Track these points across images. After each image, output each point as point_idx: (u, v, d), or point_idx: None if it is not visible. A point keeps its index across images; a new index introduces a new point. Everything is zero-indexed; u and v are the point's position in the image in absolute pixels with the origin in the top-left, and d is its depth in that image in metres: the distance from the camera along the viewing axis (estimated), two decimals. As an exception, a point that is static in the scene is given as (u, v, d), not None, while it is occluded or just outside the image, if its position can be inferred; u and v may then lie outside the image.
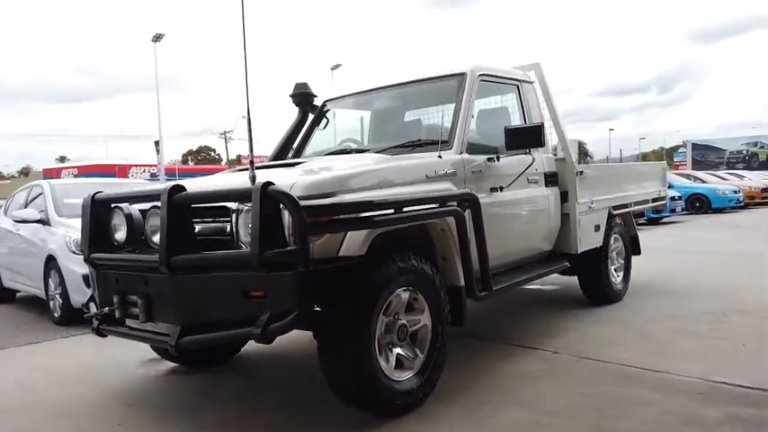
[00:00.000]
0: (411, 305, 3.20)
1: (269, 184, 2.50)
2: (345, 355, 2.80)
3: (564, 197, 4.80)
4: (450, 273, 3.45)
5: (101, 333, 3.10)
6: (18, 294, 7.41)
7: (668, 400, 3.13)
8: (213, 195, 2.75)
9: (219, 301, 2.65)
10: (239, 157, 59.21)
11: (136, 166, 52.64)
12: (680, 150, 55.04)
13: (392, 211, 2.86)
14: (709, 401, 3.08)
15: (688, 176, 21.18)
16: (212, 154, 74.08)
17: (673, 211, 15.01)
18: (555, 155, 4.91)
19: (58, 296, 5.73)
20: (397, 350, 3.08)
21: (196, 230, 2.94)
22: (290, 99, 4.90)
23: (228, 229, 2.82)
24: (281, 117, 6.42)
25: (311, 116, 4.94)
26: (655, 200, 6.62)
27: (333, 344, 2.82)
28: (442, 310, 3.29)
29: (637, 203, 6.19)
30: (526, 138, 3.85)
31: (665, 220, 15.24)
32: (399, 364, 3.11)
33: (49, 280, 5.90)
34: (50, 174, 55.73)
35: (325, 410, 3.09)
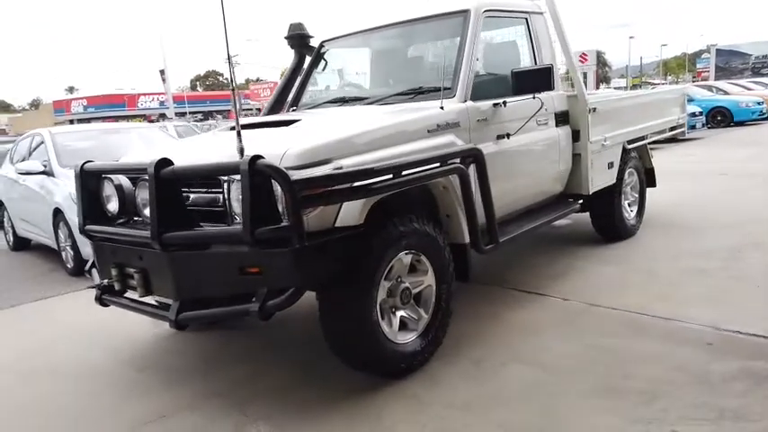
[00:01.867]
0: (414, 267, 3.14)
1: (257, 157, 2.38)
2: (346, 325, 2.78)
3: (576, 136, 4.61)
4: (454, 229, 3.36)
5: (103, 303, 3.10)
6: (32, 242, 7.50)
7: (677, 354, 3.10)
8: (200, 171, 2.64)
9: (216, 278, 2.61)
10: (248, 81, 58.14)
11: (145, 95, 52.11)
12: (703, 56, 52.84)
13: (390, 176, 2.73)
14: (719, 354, 3.04)
15: (709, 88, 20.35)
16: (220, 79, 72.82)
17: (693, 127, 14.52)
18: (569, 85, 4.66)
19: (68, 248, 5.77)
20: (401, 313, 3.05)
21: (191, 200, 2.86)
22: (286, 41, 4.65)
23: (221, 201, 2.73)
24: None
25: (309, 59, 4.70)
26: (673, 128, 6.36)
27: (334, 313, 2.79)
28: (447, 269, 3.23)
29: (654, 134, 5.96)
30: (535, 81, 3.62)
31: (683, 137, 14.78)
32: (403, 325, 3.09)
33: (59, 231, 5.92)
34: (60, 105, 55.37)
35: (332, 369, 3.11)
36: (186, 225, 2.66)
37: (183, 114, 41.08)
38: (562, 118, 4.48)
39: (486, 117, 3.66)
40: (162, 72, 28.64)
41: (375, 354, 2.85)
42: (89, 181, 3.09)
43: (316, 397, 2.91)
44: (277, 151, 2.61)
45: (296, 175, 2.41)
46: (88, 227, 3.07)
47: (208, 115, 43.49)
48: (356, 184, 2.60)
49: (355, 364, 2.93)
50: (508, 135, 3.77)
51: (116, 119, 41.89)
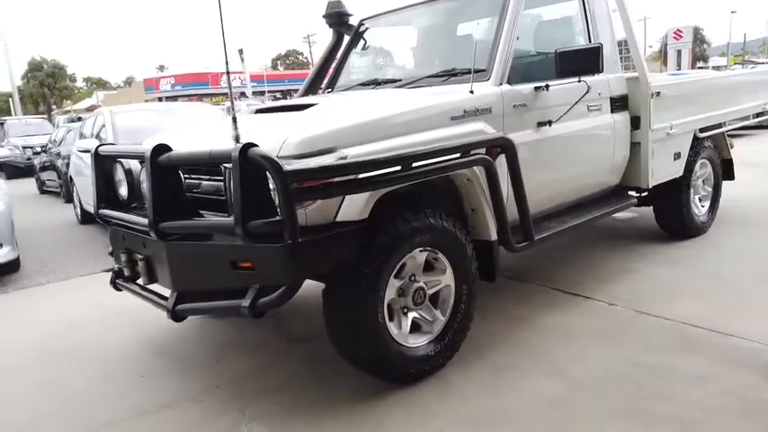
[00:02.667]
0: (431, 265, 2.91)
1: (250, 146, 2.23)
2: (349, 325, 2.60)
3: (636, 123, 4.16)
4: (479, 225, 3.09)
5: (116, 287, 3.08)
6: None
7: (729, 377, 2.71)
8: (194, 158, 2.52)
9: (210, 271, 2.49)
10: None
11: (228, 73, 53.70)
12: (817, 33, 47.98)
13: (398, 168, 2.50)
14: (779, 381, 2.64)
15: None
16: (300, 58, 73.85)
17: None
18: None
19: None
20: (413, 314, 2.84)
21: (201, 188, 2.77)
22: (324, 20, 4.47)
23: (223, 190, 2.61)
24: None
25: (347, 38, 4.49)
26: (759, 114, 5.68)
27: (336, 312, 2.62)
28: (468, 269, 2.97)
29: (735, 120, 5.35)
30: (581, 62, 3.24)
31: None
32: (417, 327, 2.88)
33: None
34: (150, 83, 58.16)
35: (340, 369, 2.94)
36: (186, 214, 2.56)
37: (262, 93, 42.04)
38: (620, 103, 4.05)
39: (526, 102, 3.33)
40: (240, 52, 29.29)
41: (380, 357, 2.66)
42: (103, 164, 3.06)
43: (317, 399, 2.76)
44: (277, 139, 2.45)
45: (290, 166, 2.24)
46: (102, 211, 3.04)
47: (286, 94, 44.27)
48: (359, 176, 2.39)
49: (360, 366, 2.76)
50: (550, 122, 3.42)
51: (200, 97, 43.50)
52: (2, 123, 20.88)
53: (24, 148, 17.29)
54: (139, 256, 2.79)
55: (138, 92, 55.86)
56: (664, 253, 4.62)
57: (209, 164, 2.58)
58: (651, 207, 4.87)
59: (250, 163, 2.22)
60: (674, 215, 4.79)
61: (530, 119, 3.38)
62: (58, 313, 4.31)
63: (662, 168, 4.31)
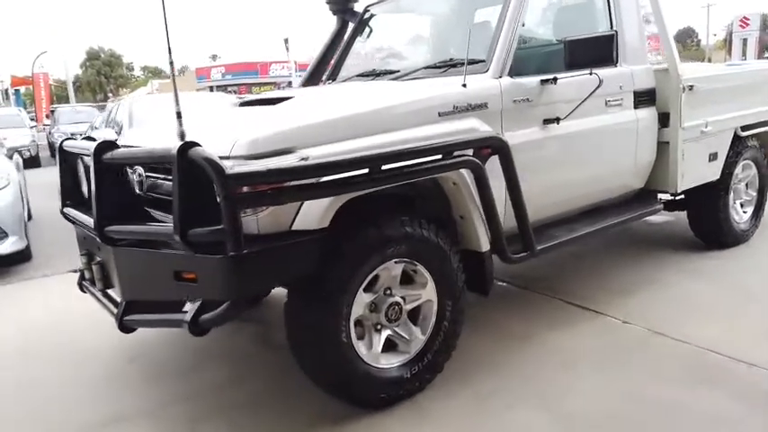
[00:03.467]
0: (410, 277, 2.63)
1: (191, 145, 2.00)
2: (309, 344, 2.36)
3: (664, 120, 3.74)
4: (469, 234, 2.79)
5: (82, 289, 2.92)
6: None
7: (750, 418, 2.34)
8: (135, 157, 2.31)
9: (156, 281, 2.29)
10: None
11: (276, 62, 54.20)
12: None
13: (365, 171, 2.23)
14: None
15: None
16: (348, 46, 73.67)
17: None
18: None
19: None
20: (388, 332, 2.56)
21: (161, 189, 2.56)
22: (327, 6, 4.20)
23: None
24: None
25: (351, 26, 4.21)
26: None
27: (295, 330, 2.38)
28: (454, 283, 2.68)
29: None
30: (592, 52, 2.88)
31: None
32: (392, 346, 2.61)
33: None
34: (201, 73, 59.24)
35: (309, 387, 2.71)
36: (136, 217, 2.37)
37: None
38: (646, 97, 3.63)
39: (529, 97, 2.98)
40: (286, 41, 29.33)
41: (344, 380, 2.41)
42: (69, 160, 2.90)
43: (276, 421, 2.53)
44: (231, 137, 2.22)
45: (239, 168, 2.00)
46: (65, 209, 2.89)
47: (332, 83, 44.16)
48: (321, 180, 2.13)
49: (323, 388, 2.51)
50: (558, 119, 3.07)
51: (248, 86, 43.96)
52: (53, 111, 21.53)
53: (72, 134, 17.78)
54: (96, 260, 2.62)
55: (191, 81, 56.97)
56: (695, 263, 4.18)
57: (152, 163, 2.37)
58: (685, 212, 4.44)
59: (190, 164, 1.99)
60: (709, 221, 4.33)
61: (534, 115, 3.04)
62: (45, 309, 4.21)
63: (694, 171, 3.87)
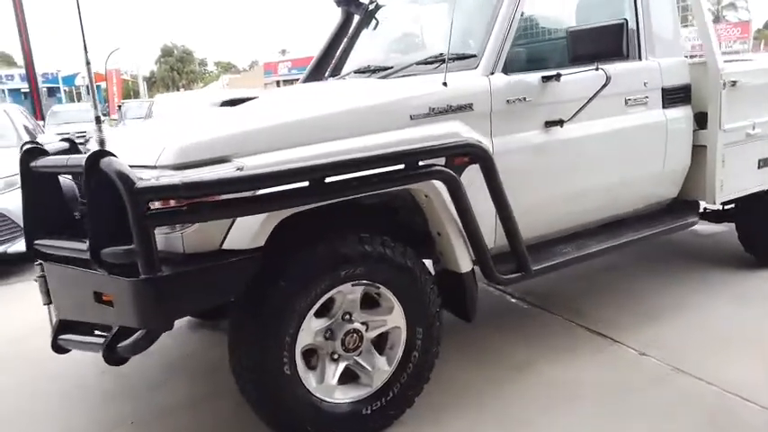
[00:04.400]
0: (376, 301, 2.34)
1: (102, 154, 1.79)
2: (248, 375, 2.11)
3: (702, 120, 3.26)
4: (447, 252, 2.47)
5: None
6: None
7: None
8: (56, 166, 2.12)
9: (81, 301, 2.10)
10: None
11: (339, 57, 54.60)
12: None
13: (306, 184, 1.95)
14: None
15: None
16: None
17: None
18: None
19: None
20: (346, 362, 2.29)
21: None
22: (330, -2, 3.94)
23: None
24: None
25: (357, 18, 3.93)
26: None
27: (234, 358, 2.14)
28: (425, 308, 2.37)
29: None
30: (597, 45, 2.48)
31: None
32: (353, 377, 2.34)
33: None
34: (269, 67, 60.54)
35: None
36: (69, 231, 2.20)
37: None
38: (679, 95, 3.16)
39: (527, 96, 2.61)
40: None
41: (288, 414, 2.15)
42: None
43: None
44: (160, 145, 2.00)
45: (147, 183, 1.78)
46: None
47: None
48: (244, 193, 1.88)
49: (266, 423, 2.25)
50: (562, 122, 2.68)
51: (311, 80, 44.27)
52: (119, 106, 22.39)
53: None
54: (41, 273, 2.47)
55: (259, 75, 58.30)
56: (740, 285, 3.66)
57: (68, 173, 2.19)
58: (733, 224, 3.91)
59: (102, 175, 1.79)
60: (761, 235, 3.79)
61: (534, 117, 2.67)
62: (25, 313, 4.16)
63: (738, 179, 3.36)
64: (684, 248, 4.41)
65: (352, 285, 2.22)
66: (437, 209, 2.34)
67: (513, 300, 3.70)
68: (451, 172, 2.22)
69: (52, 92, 43.32)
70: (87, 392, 2.91)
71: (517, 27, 2.65)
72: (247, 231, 1.96)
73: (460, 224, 2.36)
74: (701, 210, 3.57)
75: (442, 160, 2.25)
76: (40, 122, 19.15)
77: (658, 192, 3.27)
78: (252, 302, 2.04)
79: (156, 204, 1.81)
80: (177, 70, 63.99)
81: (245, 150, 2.01)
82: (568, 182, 2.80)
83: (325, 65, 3.97)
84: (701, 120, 3.25)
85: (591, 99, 2.58)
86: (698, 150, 3.26)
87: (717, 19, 41.54)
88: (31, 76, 20.74)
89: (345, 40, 3.92)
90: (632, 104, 2.97)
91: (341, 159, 1.98)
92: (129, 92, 45.93)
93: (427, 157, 2.17)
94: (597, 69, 2.51)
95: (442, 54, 2.81)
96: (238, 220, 1.95)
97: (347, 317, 2.26)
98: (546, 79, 2.64)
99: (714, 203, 3.29)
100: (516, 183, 2.60)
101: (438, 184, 2.27)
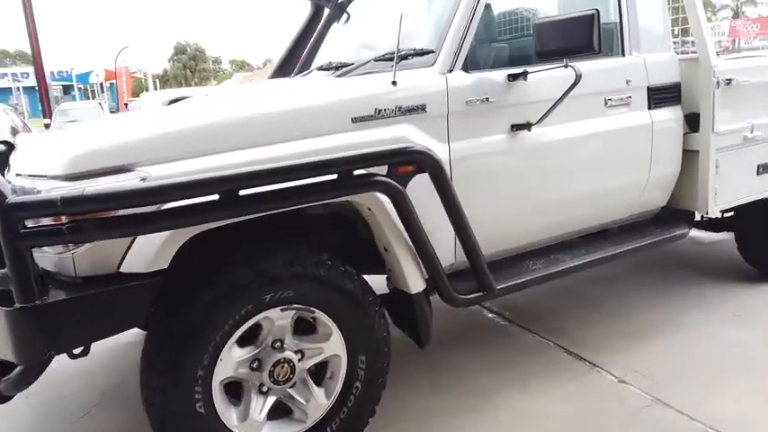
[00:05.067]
0: (312, 326, 2.09)
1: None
2: (156, 409, 1.87)
3: (695, 123, 2.97)
4: (395, 270, 2.21)
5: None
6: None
7: None
8: None
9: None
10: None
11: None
12: None
13: (216, 198, 1.71)
14: None
15: None
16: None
17: None
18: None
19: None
20: (276, 396, 2.04)
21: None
22: (297, -9, 3.69)
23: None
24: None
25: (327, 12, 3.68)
26: None
27: (144, 390, 1.90)
28: (369, 334, 2.12)
29: None
30: (565, 38, 2.20)
31: None
32: (285, 411, 2.09)
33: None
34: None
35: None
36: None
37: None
38: (667, 94, 2.88)
39: (491, 96, 2.35)
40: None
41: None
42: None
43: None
44: (59, 153, 1.77)
45: (19, 198, 1.55)
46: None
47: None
48: (137, 209, 1.64)
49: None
50: (529, 125, 2.41)
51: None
52: (126, 104, 22.36)
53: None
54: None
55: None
56: (739, 302, 3.35)
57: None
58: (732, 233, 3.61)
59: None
60: (759, 247, 3.49)
61: (498, 120, 2.40)
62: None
63: (734, 186, 3.06)
64: (682, 258, 4.11)
65: (282, 310, 1.97)
66: (381, 223, 2.08)
67: (490, 315, 3.43)
68: (393, 182, 1.96)
69: (67, 90, 43.66)
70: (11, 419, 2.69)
71: (480, 20, 2.38)
72: (148, 252, 1.72)
73: (409, 240, 2.11)
74: (699, 217, 3.28)
75: (384, 169, 2.00)
76: (47, 121, 19.20)
77: (644, 201, 2.98)
78: (158, 332, 1.80)
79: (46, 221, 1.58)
80: (190, 68, 64.17)
81: (151, 158, 1.77)
82: (538, 192, 2.53)
83: (294, 61, 3.73)
84: (692, 122, 2.96)
85: (559, 100, 2.30)
86: (689, 155, 2.97)
87: (736, 15, 40.71)
88: (39, 74, 20.77)
89: (315, 34, 3.68)
90: (613, 105, 2.68)
91: (256, 169, 1.72)
92: (142, 90, 46.07)
93: (362, 166, 1.91)
94: (566, 67, 2.23)
95: (399, 49, 2.56)
96: (138, 238, 1.71)
97: (277, 344, 2.01)
98: (512, 78, 2.37)
99: (707, 213, 3.00)
100: (479, 193, 2.36)
101: (381, 195, 2.01)
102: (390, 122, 2.15)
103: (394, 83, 2.18)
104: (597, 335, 3.06)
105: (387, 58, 2.58)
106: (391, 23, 3.50)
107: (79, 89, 44.25)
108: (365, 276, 2.17)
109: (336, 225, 2.30)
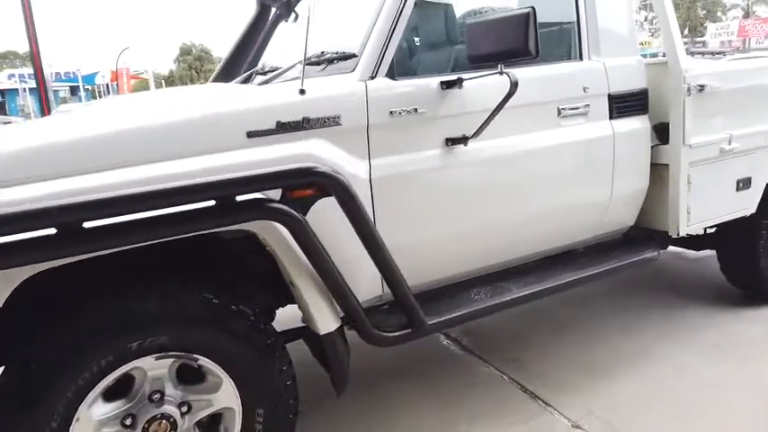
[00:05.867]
0: (201, 374, 1.81)
1: None
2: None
3: (663, 134, 2.67)
4: (302, 307, 1.93)
5: None
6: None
7: None
8: None
9: None
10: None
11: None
12: None
13: (54, 232, 1.43)
14: None
15: None
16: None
17: None
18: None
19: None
20: (154, 455, 1.77)
21: None
22: (241, -12, 3.42)
23: None
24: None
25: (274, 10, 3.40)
26: None
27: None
28: (269, 382, 1.84)
29: None
30: (498, 41, 1.91)
31: None
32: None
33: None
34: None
35: None
36: None
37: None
38: (633, 102, 2.58)
39: (419, 106, 2.06)
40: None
41: None
42: None
43: None
44: None
45: None
46: None
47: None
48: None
49: None
50: (466, 139, 2.12)
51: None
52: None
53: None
54: None
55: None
56: (719, 330, 3.04)
57: None
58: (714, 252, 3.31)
59: None
60: (744, 267, 3.18)
61: (430, 133, 2.11)
62: None
63: (709, 204, 2.76)
64: (663, 275, 3.81)
65: (156, 359, 1.69)
66: (280, 255, 1.80)
67: (446, 341, 3.14)
68: (287, 209, 1.68)
69: (74, 91, 43.69)
70: None
71: (410, 21, 2.10)
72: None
73: (315, 272, 1.83)
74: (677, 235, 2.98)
75: (277, 193, 1.72)
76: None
77: (608, 220, 2.68)
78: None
79: None
80: (195, 69, 64.01)
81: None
82: (477, 214, 2.24)
83: (240, 63, 3.45)
84: (662, 132, 2.67)
85: (495, 111, 2.00)
86: (658, 170, 2.68)
87: (747, 14, 40.04)
88: (38, 75, 20.61)
89: (262, 35, 3.41)
90: (567, 115, 2.39)
91: (101, 197, 1.44)
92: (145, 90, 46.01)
93: (247, 191, 1.63)
94: (501, 74, 1.94)
95: (323, 52, 2.28)
96: (-33, 278, 1.44)
97: (156, 396, 1.74)
98: (446, 85, 2.08)
99: (677, 234, 2.69)
100: (407, 216, 2.08)
101: (276, 223, 1.73)
102: (295, 138, 1.87)
103: (302, 91, 1.90)
104: (557, 367, 2.76)
105: (314, 62, 2.31)
106: (338, 23, 3.23)
107: (86, 90, 44.28)
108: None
109: (256, 249, 2.03)
